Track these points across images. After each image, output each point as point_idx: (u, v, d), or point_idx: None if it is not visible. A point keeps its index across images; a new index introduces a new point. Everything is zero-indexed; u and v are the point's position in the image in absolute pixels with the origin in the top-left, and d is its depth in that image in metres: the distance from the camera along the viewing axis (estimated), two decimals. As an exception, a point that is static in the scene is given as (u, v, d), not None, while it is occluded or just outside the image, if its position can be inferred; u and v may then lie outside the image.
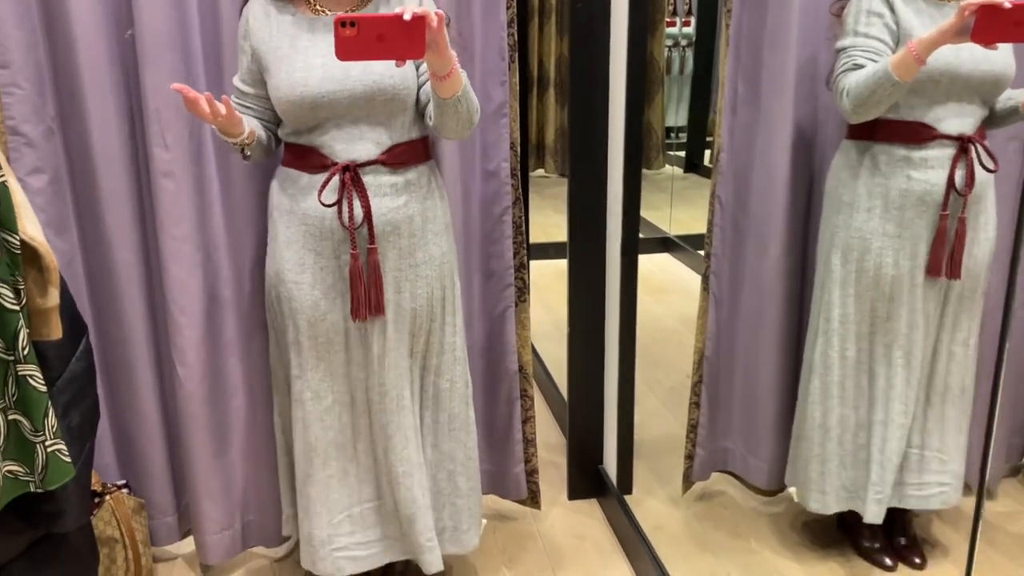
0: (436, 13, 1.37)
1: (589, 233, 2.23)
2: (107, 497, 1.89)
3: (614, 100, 2.12)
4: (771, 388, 2.13)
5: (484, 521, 2.01)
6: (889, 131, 1.75)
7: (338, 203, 1.63)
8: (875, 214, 1.79)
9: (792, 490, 2.02)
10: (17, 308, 1.27)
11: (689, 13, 3.41)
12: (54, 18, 1.75)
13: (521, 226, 2.09)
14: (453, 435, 1.87)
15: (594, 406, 2.36)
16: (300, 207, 1.67)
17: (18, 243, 1.27)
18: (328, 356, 1.74)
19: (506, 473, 2.25)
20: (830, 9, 1.84)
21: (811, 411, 1.93)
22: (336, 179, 1.62)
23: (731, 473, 2.31)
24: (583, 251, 2.24)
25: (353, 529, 1.85)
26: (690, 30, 3.32)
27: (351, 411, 1.80)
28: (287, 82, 1.60)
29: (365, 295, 1.67)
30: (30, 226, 1.30)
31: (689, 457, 2.25)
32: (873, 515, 1.87)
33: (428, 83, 1.62)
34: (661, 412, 2.78)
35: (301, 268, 1.70)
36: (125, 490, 1.96)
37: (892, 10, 1.72)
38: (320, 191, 1.63)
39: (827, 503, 1.95)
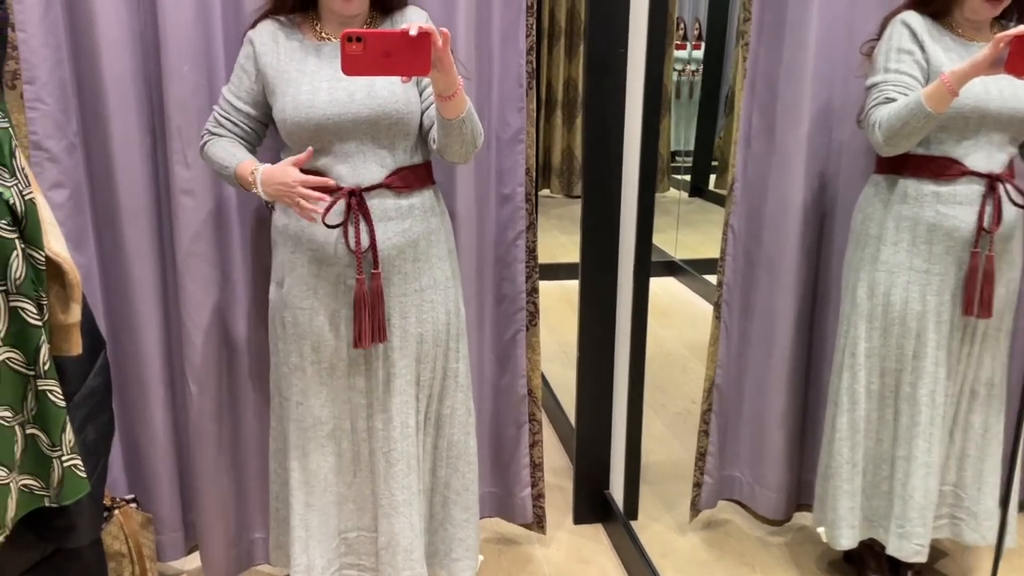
0: (442, 31, 1.38)
1: (601, 256, 2.24)
2: (116, 511, 1.89)
3: (629, 124, 2.14)
4: (780, 418, 2.14)
5: (481, 558, 1.97)
6: (918, 166, 1.76)
7: (343, 227, 1.63)
8: (902, 248, 1.80)
9: (821, 531, 2.00)
10: (40, 323, 1.28)
11: (699, 38, 3.43)
12: (79, 36, 1.77)
13: (534, 250, 2.10)
14: (450, 463, 1.84)
15: (601, 430, 2.36)
16: (306, 232, 1.67)
17: (43, 259, 1.28)
18: (331, 382, 1.74)
19: (512, 497, 2.25)
20: (860, 49, 1.87)
21: (839, 448, 1.91)
22: (341, 203, 1.62)
23: (738, 502, 2.31)
24: (595, 274, 2.25)
25: (348, 551, 1.85)
26: (699, 54, 3.35)
27: (352, 438, 1.78)
28: (292, 104, 1.60)
29: (369, 321, 1.65)
30: (55, 242, 1.32)
31: (697, 485, 2.25)
32: (895, 548, 1.87)
33: (432, 107, 1.64)
34: (666, 437, 2.78)
35: (306, 293, 1.69)
36: (133, 505, 1.95)
37: (922, 48, 1.74)
38: (324, 214, 1.61)
39: (854, 537, 1.94)
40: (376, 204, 1.64)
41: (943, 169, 1.74)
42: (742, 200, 2.11)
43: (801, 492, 2.25)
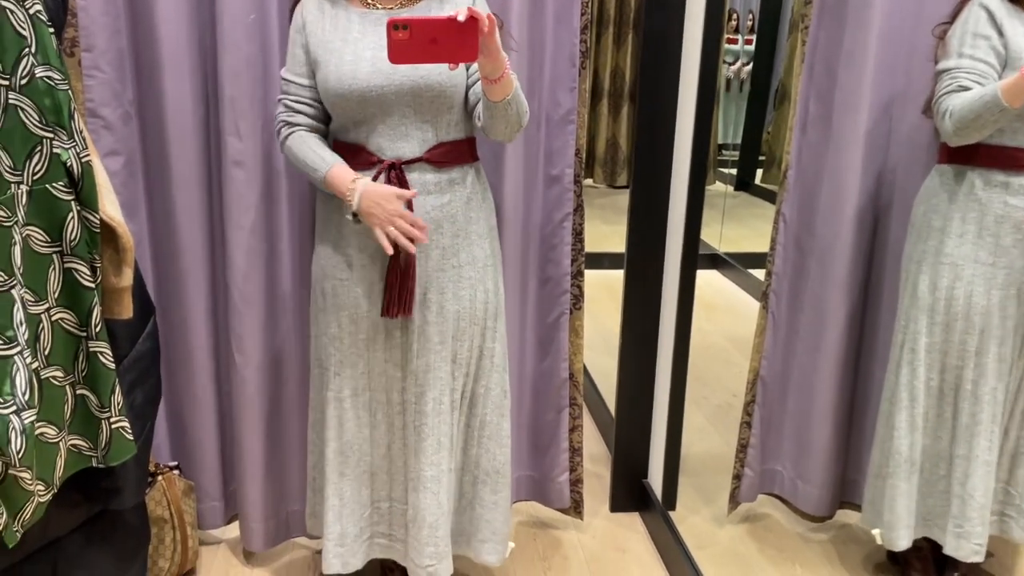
0: (488, 16, 1.36)
1: (648, 245, 2.21)
2: (159, 477, 1.92)
3: (682, 115, 2.10)
4: (826, 413, 2.09)
5: (512, 545, 1.94)
6: (988, 156, 1.70)
7: None
8: (967, 240, 1.74)
9: (876, 532, 1.94)
10: (93, 286, 1.30)
11: (752, 31, 3.38)
12: (138, 5, 1.79)
13: (581, 233, 2.08)
14: (482, 443, 1.83)
15: (642, 419, 2.33)
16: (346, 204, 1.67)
17: (98, 222, 1.30)
18: (368, 354, 1.74)
19: (550, 481, 2.23)
20: (932, 31, 1.80)
21: (897, 446, 1.85)
22: (383, 176, 1.62)
23: (778, 496, 2.27)
24: (641, 263, 2.22)
25: (380, 520, 1.86)
26: (750, 48, 3.30)
27: (387, 410, 1.79)
28: (336, 74, 1.60)
29: (399, 293, 1.66)
30: (110, 206, 1.33)
31: (737, 477, 2.21)
32: (952, 548, 1.82)
33: (478, 84, 1.62)
34: (707, 429, 2.75)
35: (346, 264, 1.70)
36: (176, 471, 1.98)
37: (1000, 32, 1.67)
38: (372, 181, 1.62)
39: (911, 537, 1.89)
40: (416, 178, 1.64)
41: (1014, 160, 1.67)
42: (795, 188, 2.06)
43: (845, 489, 2.20)
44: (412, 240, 1.60)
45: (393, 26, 1.30)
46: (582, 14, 1.91)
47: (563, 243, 2.07)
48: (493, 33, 1.39)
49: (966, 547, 1.80)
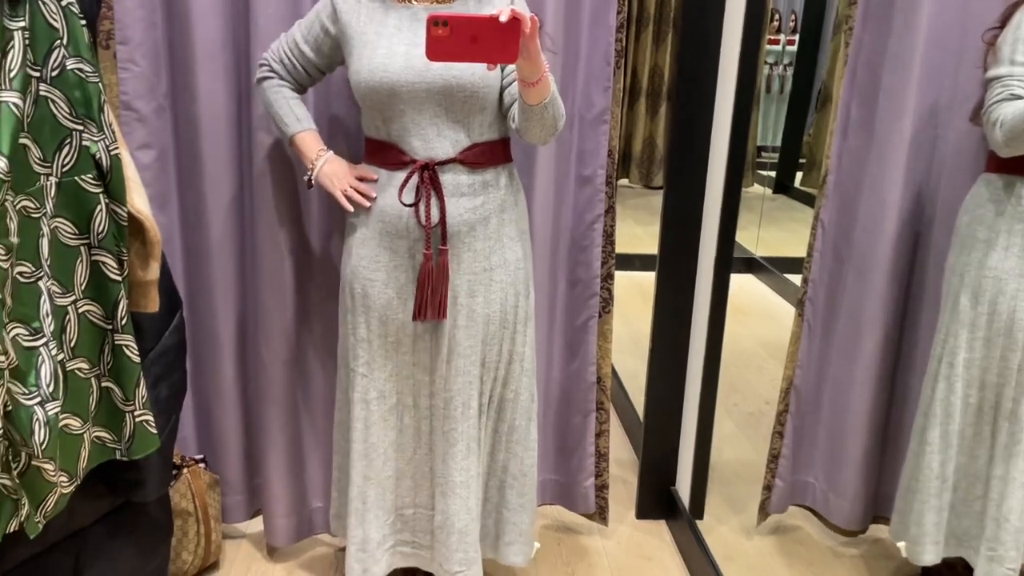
0: (532, 18, 1.33)
1: (682, 247, 2.17)
2: (185, 470, 1.93)
3: (719, 115, 2.06)
4: (861, 424, 2.04)
5: (537, 545, 1.94)
6: None
7: (415, 202, 1.61)
8: (1013, 253, 1.67)
9: (902, 545, 1.89)
10: (120, 279, 1.30)
11: (794, 31, 3.32)
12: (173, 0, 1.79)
13: (612, 235, 2.04)
14: (510, 447, 1.81)
15: (671, 426, 2.29)
16: (377, 204, 1.66)
17: (125, 215, 1.30)
18: (396, 356, 1.73)
19: (575, 485, 2.21)
20: (983, 37, 1.74)
21: (929, 461, 1.80)
22: (416, 177, 1.61)
23: (810, 508, 2.22)
24: (674, 265, 2.18)
25: (404, 527, 1.84)
26: (792, 49, 3.24)
27: (414, 414, 1.77)
28: (368, 67, 1.58)
29: (431, 296, 1.64)
30: (138, 199, 1.33)
31: (767, 488, 2.17)
32: (984, 572, 1.76)
33: (513, 84, 1.59)
34: (737, 437, 2.70)
35: (376, 265, 1.68)
36: (202, 465, 1.99)
37: None
38: (400, 189, 1.61)
39: (938, 553, 1.84)
40: (449, 179, 1.62)
41: None
42: (835, 194, 2.00)
43: (878, 503, 2.14)
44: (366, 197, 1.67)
45: (433, 22, 1.27)
46: (618, 12, 1.88)
47: (593, 245, 2.04)
48: (535, 35, 1.35)
49: (998, 571, 1.74)
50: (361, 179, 1.68)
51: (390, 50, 1.58)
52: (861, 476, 2.07)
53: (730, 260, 2.09)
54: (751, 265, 3.41)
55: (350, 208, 1.67)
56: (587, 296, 2.08)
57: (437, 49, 1.29)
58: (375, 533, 1.79)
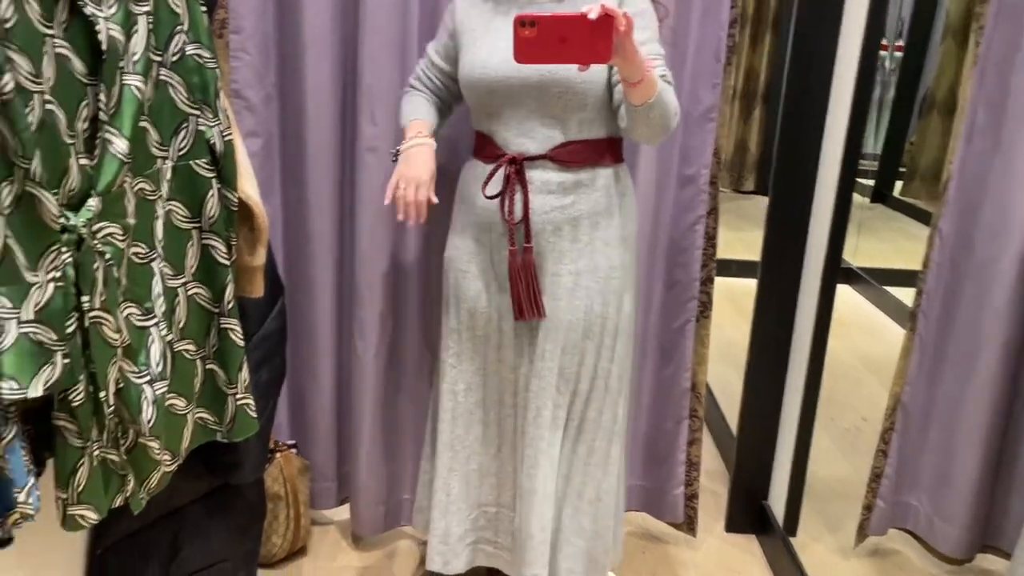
0: (624, 15, 1.26)
1: (786, 255, 2.08)
2: (277, 455, 1.95)
3: (832, 121, 1.97)
4: (973, 447, 1.92)
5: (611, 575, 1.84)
6: None
7: (501, 196, 1.59)
8: None
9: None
10: (228, 263, 1.31)
11: (900, 37, 3.20)
12: (285, -11, 1.82)
13: (713, 238, 1.98)
14: (587, 470, 1.70)
15: (766, 438, 2.21)
16: (471, 196, 1.66)
17: (236, 201, 1.31)
18: (484, 351, 1.71)
19: (664, 493, 2.15)
20: None
21: None
22: (502, 171, 1.58)
23: (912, 532, 2.10)
24: (777, 273, 2.10)
25: (487, 525, 1.82)
26: (898, 55, 3.12)
27: (498, 411, 1.75)
28: (470, 63, 1.58)
29: (524, 293, 1.60)
30: (248, 186, 1.34)
31: (867, 508, 2.06)
32: None
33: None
34: (832, 453, 2.59)
35: (469, 256, 1.68)
36: (294, 450, 2.01)
37: None
38: (485, 182, 1.59)
39: None
40: (537, 176, 1.58)
41: None
42: (956, 201, 1.89)
43: (988, 531, 2.01)
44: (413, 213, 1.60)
45: (520, 23, 1.22)
46: (732, 7, 1.82)
47: (694, 247, 1.98)
48: (630, 33, 1.29)
49: None
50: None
51: (492, 47, 1.57)
52: (970, 501, 1.95)
53: (837, 270, 2.00)
54: (848, 276, 3.29)
55: (388, 199, 1.60)
56: (685, 299, 2.02)
57: (525, 51, 1.24)
58: (457, 527, 1.78)
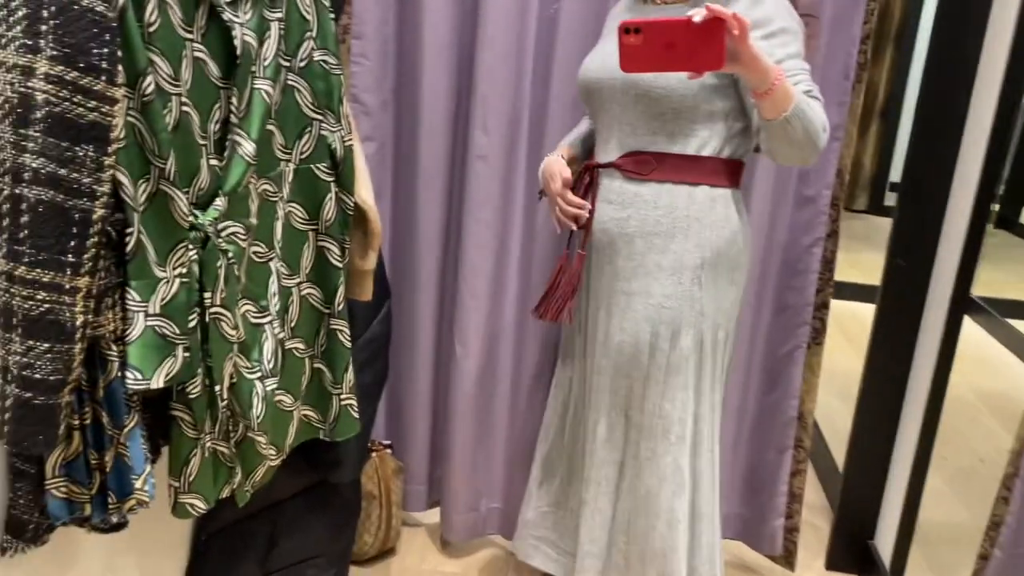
0: (735, 16, 1.14)
1: (910, 282, 1.97)
2: (373, 454, 1.98)
3: (970, 142, 1.85)
4: (1110, 503, 1.77)
5: None
6: None
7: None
8: None
9: None
10: (341, 266, 1.33)
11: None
12: (407, -2, 1.84)
13: (831, 261, 1.89)
14: (634, 520, 1.56)
15: (876, 474, 2.10)
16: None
17: (352, 205, 1.33)
18: (572, 360, 1.73)
19: (762, 524, 2.07)
20: None
21: None
22: (586, 176, 1.57)
23: (1033, 589, 1.96)
24: (898, 301, 1.99)
25: (555, 524, 1.80)
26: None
27: (572, 417, 1.75)
28: (580, 67, 1.57)
29: (552, 294, 1.59)
30: (364, 191, 1.36)
31: (983, 557, 1.93)
32: None
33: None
34: (945, 494, 2.44)
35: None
36: (389, 450, 2.03)
37: None
38: (573, 187, 1.58)
39: None
40: (605, 184, 1.54)
41: None
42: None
43: (1121, 596, 1.85)
44: (578, 221, 1.56)
45: (624, 30, 1.16)
46: (864, 22, 1.73)
47: (809, 270, 1.90)
48: (745, 38, 1.17)
49: None
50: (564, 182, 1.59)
51: (602, 51, 1.55)
52: (1103, 561, 1.80)
53: (966, 301, 1.88)
54: (967, 305, 3.11)
55: (558, 230, 1.62)
56: (796, 324, 1.94)
57: (630, 59, 1.18)
58: (531, 514, 1.81)
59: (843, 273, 3.64)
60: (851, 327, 4.06)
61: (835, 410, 2.93)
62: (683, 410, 1.51)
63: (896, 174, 6.55)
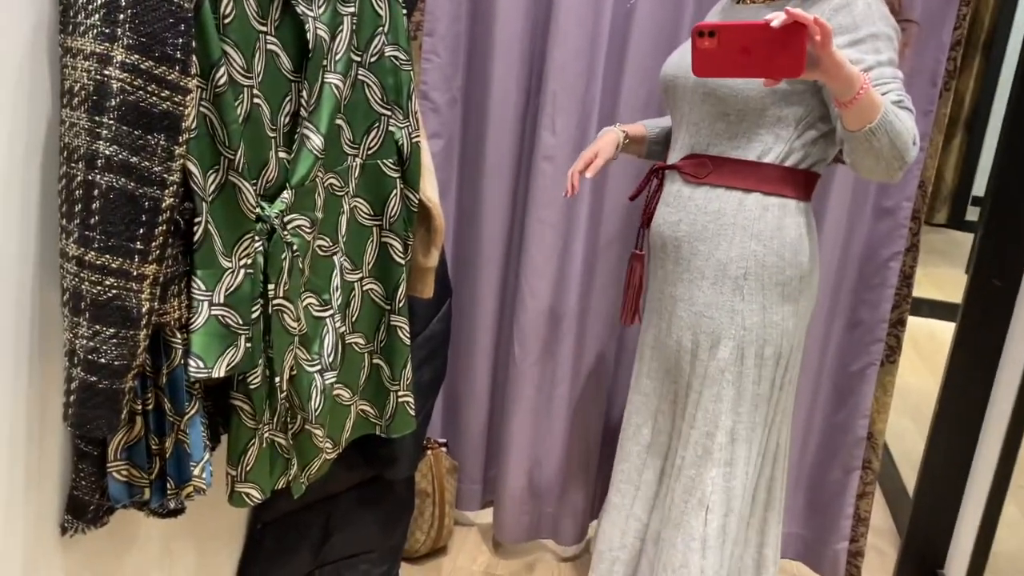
0: (816, 20, 1.07)
1: (994, 302, 1.87)
2: (428, 452, 1.97)
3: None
4: None
5: None
6: None
7: (634, 196, 1.60)
8: None
9: None
10: (403, 262, 1.33)
11: None
12: (480, -4, 1.83)
13: (910, 276, 1.82)
14: (668, 530, 1.49)
15: (948, 500, 2.00)
16: None
17: (417, 202, 1.32)
18: (643, 367, 1.67)
19: (824, 545, 2.00)
20: None
21: None
22: (654, 177, 1.55)
23: (1116, 632, 1.85)
24: (981, 321, 1.89)
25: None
26: None
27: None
28: (666, 61, 1.55)
29: (623, 297, 1.59)
30: (430, 188, 1.35)
31: (1063, 596, 1.83)
32: None
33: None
34: (1018, 523, 2.32)
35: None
36: (444, 449, 2.03)
37: None
38: (640, 188, 1.58)
39: None
40: (667, 186, 1.51)
41: None
42: None
43: None
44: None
45: (698, 32, 1.11)
46: (955, 28, 1.65)
47: (885, 285, 1.83)
48: (827, 44, 1.10)
49: None
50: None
51: (683, 48, 1.51)
52: None
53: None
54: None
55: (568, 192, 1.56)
56: (869, 341, 1.87)
57: (704, 63, 1.14)
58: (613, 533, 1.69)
59: (921, 289, 3.50)
60: (925, 344, 3.89)
61: (905, 429, 2.82)
62: (712, 424, 1.44)
63: (979, 188, 6.29)
